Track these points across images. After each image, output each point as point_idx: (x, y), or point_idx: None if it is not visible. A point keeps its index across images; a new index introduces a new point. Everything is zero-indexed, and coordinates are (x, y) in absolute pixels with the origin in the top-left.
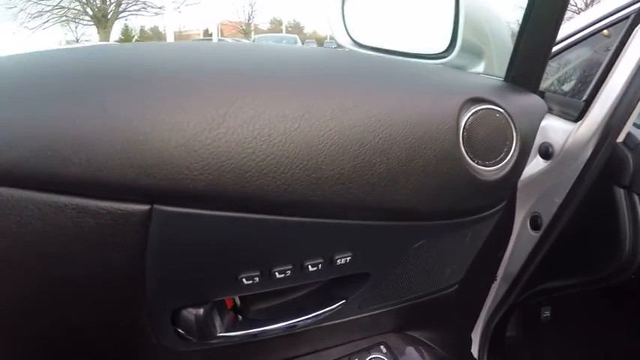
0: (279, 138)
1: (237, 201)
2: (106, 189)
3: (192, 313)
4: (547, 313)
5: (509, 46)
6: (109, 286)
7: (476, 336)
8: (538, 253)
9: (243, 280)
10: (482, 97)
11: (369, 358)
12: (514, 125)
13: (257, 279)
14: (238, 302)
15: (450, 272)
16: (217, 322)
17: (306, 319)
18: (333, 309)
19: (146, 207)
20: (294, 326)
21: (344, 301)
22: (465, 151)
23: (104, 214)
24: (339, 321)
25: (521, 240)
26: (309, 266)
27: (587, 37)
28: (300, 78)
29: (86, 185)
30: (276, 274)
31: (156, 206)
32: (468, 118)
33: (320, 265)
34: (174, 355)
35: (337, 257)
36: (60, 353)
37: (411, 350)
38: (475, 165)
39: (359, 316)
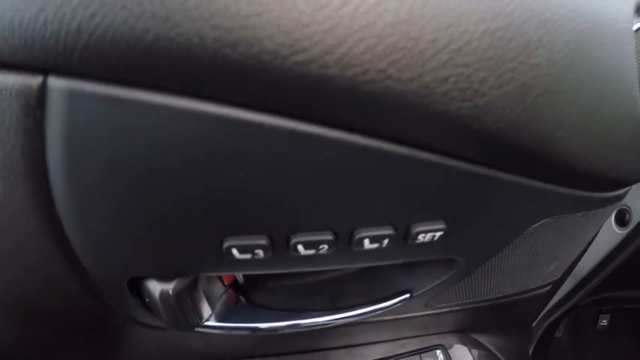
0: None
1: (200, 75)
2: None
3: (157, 288)
4: (605, 322)
5: None
6: (16, 226)
7: None
8: (618, 254)
9: (234, 251)
10: None
11: None
12: None
13: (260, 252)
14: (240, 277)
15: (553, 269)
16: (203, 306)
17: (347, 317)
18: (389, 306)
19: (34, 80)
20: (326, 324)
21: (408, 295)
22: None
23: None
24: (391, 317)
25: (601, 235)
26: (366, 240)
27: None
28: None
29: None
30: (299, 247)
31: (52, 79)
32: None
33: (385, 241)
34: (155, 331)
35: (419, 229)
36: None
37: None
38: None
39: (418, 313)
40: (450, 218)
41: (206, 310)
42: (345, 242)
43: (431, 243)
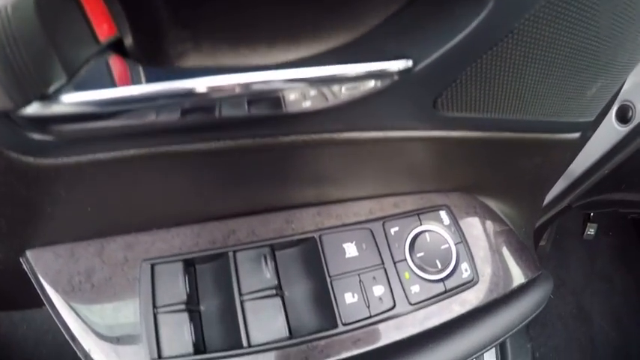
0: None
1: None
2: None
3: None
4: (591, 231)
5: None
6: None
7: None
8: (617, 153)
9: None
10: None
11: (418, 229)
12: None
13: None
14: (129, 39)
15: (595, 95)
16: (48, 60)
17: (303, 79)
18: (377, 72)
19: None
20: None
21: (410, 63)
22: None
23: None
24: (369, 135)
25: (600, 132)
26: None
27: None
28: None
29: None
30: None
31: None
32: None
33: None
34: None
35: None
36: None
37: (481, 229)
38: None
39: (413, 133)
40: None
41: (55, 70)
42: None
43: None
